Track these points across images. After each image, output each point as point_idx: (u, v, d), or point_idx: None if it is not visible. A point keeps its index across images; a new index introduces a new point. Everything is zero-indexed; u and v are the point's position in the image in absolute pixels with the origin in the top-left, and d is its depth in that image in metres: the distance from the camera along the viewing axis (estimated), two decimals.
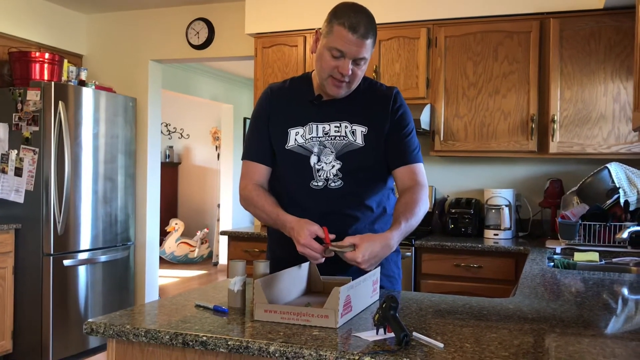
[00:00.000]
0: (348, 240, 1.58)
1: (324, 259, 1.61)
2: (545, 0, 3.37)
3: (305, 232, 1.61)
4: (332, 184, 1.79)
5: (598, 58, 3.30)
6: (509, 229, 3.46)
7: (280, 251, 1.89)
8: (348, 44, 1.68)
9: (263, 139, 1.86)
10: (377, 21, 3.83)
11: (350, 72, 1.71)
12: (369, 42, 1.71)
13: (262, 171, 1.87)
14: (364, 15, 1.72)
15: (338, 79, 1.73)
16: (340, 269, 1.71)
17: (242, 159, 1.92)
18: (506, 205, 3.47)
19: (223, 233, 3.86)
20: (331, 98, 1.83)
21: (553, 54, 3.35)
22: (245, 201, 1.87)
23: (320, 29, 1.77)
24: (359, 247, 1.55)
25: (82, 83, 4.40)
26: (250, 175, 1.87)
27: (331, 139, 1.80)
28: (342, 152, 1.79)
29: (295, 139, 1.82)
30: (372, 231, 1.83)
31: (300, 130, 1.82)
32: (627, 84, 3.24)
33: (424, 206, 1.77)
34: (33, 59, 4.19)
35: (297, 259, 1.70)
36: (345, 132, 1.80)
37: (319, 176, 1.79)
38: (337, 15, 1.71)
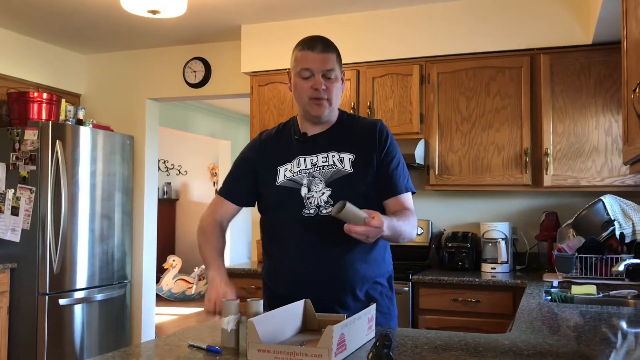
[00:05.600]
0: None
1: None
2: (535, 36, 3.44)
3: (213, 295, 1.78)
4: (324, 211, 1.81)
5: (589, 92, 3.34)
6: (506, 262, 3.46)
7: (275, 286, 1.91)
8: (312, 60, 1.82)
9: (240, 180, 1.98)
10: (371, 59, 3.94)
11: (323, 85, 1.82)
12: (331, 56, 1.84)
13: (229, 209, 1.99)
14: (319, 36, 1.89)
15: (316, 97, 1.83)
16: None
17: (216, 193, 2.04)
18: (502, 239, 3.47)
19: None
20: (316, 132, 1.90)
21: (544, 88, 3.40)
22: (200, 231, 1.99)
23: (290, 69, 1.91)
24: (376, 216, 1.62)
25: (80, 122, 4.44)
26: (216, 210, 2.00)
27: (319, 169, 1.85)
28: (332, 179, 1.83)
29: (285, 174, 1.87)
30: (366, 262, 1.86)
31: (289, 165, 1.88)
32: (618, 117, 3.28)
33: (414, 223, 1.85)
34: (31, 99, 4.24)
35: (292, 294, 1.72)
36: (334, 161, 1.85)
37: (310, 204, 1.82)
38: (296, 46, 1.87)
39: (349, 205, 1.58)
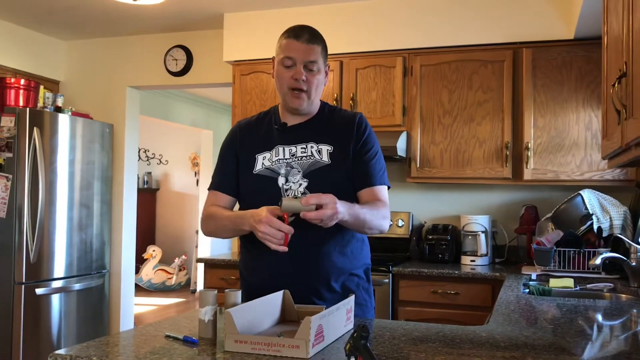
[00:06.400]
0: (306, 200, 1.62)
1: (286, 247, 1.65)
2: (518, 30, 3.45)
3: (265, 210, 1.66)
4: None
5: (570, 87, 3.37)
6: (486, 255, 3.48)
7: (251, 277, 1.90)
8: (295, 49, 1.80)
9: (228, 171, 1.94)
10: (354, 50, 3.92)
11: (304, 76, 1.80)
12: (315, 47, 1.81)
13: (225, 200, 1.94)
14: (307, 27, 1.85)
15: (295, 87, 1.81)
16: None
17: (208, 189, 1.99)
18: (482, 232, 3.49)
19: (200, 260, 3.82)
20: (297, 122, 1.89)
21: (526, 82, 3.42)
22: (205, 220, 1.93)
23: (274, 56, 1.89)
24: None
25: (59, 109, 4.36)
26: (213, 203, 1.95)
27: (298, 159, 1.84)
28: (309, 170, 1.82)
29: (263, 163, 1.86)
30: (343, 254, 1.86)
31: (267, 154, 1.87)
32: (598, 113, 3.30)
33: (383, 213, 1.82)
34: (8, 85, 4.15)
35: (268, 285, 1.71)
36: (312, 152, 1.84)
37: (288, 195, 1.81)
38: (283, 34, 1.85)
39: (284, 202, 1.63)
